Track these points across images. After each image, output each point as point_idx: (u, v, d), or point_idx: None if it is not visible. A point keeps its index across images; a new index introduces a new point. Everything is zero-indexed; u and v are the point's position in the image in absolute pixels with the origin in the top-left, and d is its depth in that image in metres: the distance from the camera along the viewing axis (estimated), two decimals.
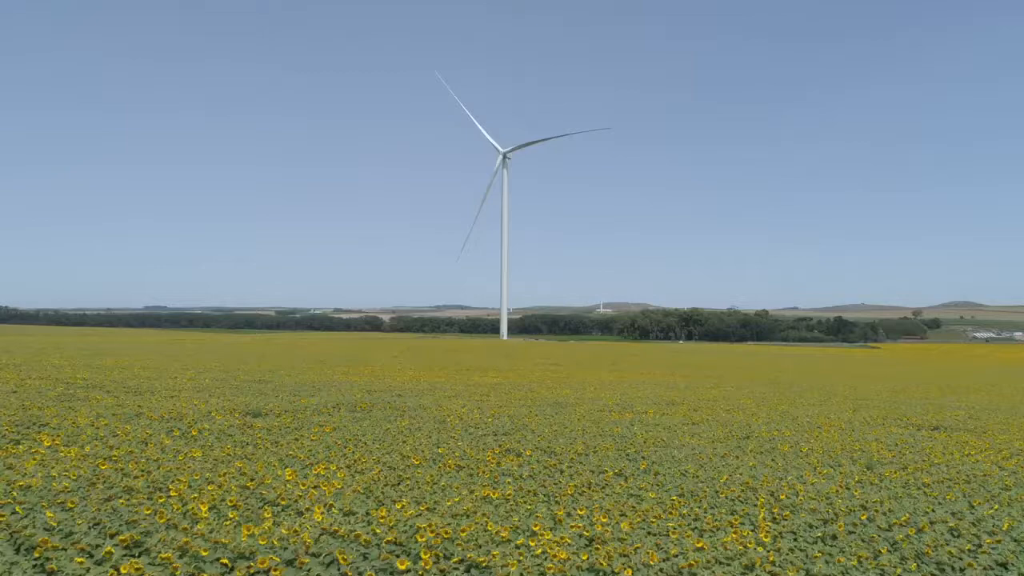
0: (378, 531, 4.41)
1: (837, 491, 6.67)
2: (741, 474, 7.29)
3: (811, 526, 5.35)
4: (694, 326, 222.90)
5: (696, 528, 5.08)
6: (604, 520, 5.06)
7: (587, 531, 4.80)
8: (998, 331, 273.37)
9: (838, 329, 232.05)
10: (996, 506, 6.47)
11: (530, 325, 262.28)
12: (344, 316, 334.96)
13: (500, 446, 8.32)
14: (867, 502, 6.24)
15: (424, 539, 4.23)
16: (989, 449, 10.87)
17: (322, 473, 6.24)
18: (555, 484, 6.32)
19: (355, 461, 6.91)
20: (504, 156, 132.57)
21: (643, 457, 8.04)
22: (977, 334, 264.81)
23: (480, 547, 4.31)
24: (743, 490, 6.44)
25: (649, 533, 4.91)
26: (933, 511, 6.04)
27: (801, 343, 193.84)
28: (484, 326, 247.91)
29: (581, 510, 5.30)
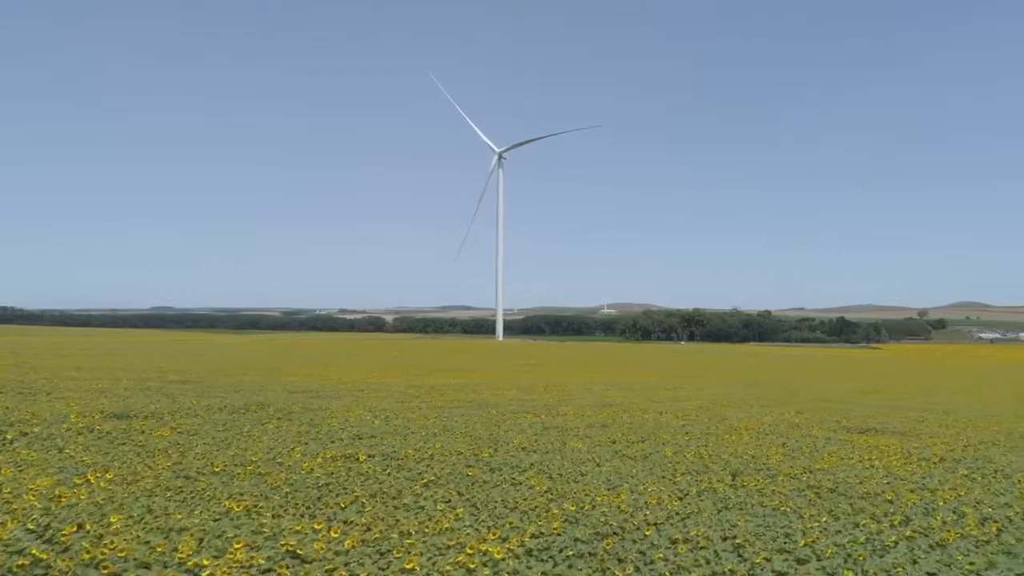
0: (37, 552, 3.95)
1: (658, 502, 6.15)
2: (567, 483, 6.77)
3: (580, 542, 4.84)
4: (696, 327, 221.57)
5: (437, 545, 4.58)
6: (335, 535, 4.58)
7: (302, 548, 4.32)
8: (1004, 331, 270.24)
9: (840, 330, 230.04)
10: (826, 519, 5.93)
11: (533, 326, 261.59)
12: (348, 317, 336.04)
13: (342, 452, 7.85)
14: (674, 514, 5.72)
15: (73, 561, 3.77)
16: (898, 454, 10.29)
17: (91, 480, 5.79)
18: (343, 493, 5.84)
19: (148, 467, 6.45)
20: (499, 156, 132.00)
21: (484, 463, 7.54)
22: (982, 334, 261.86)
23: (146, 567, 3.84)
24: (545, 500, 5.93)
25: (377, 551, 4.43)
26: (739, 525, 5.51)
27: (803, 344, 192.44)
28: (486, 327, 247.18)
29: (318, 524, 4.81)
